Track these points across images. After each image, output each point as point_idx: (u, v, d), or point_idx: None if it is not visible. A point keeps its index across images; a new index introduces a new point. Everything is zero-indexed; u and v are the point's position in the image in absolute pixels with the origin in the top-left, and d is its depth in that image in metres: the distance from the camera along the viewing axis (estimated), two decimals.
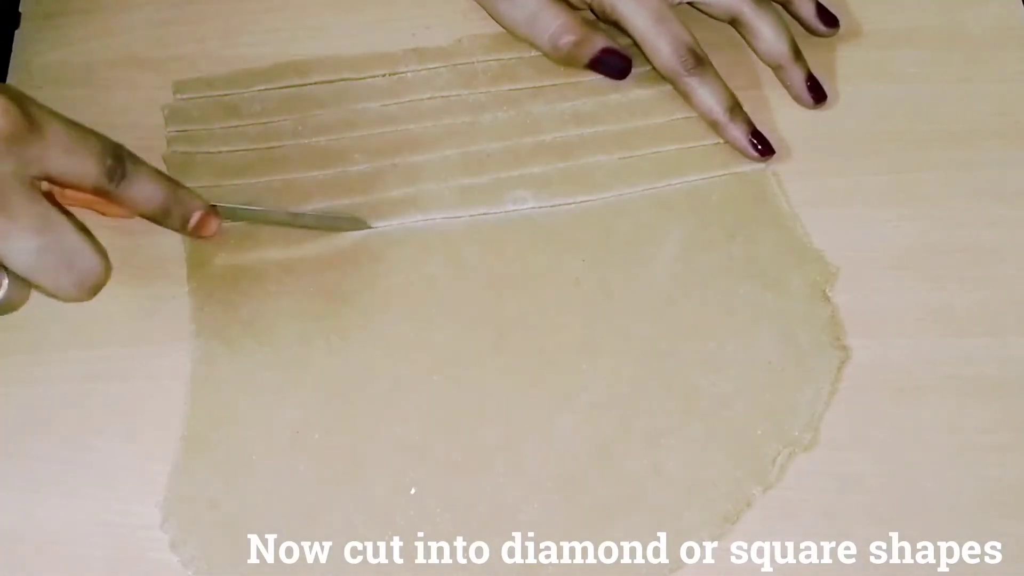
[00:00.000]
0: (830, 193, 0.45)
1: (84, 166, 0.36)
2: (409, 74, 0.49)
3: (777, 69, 0.47)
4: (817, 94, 0.47)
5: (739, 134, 0.46)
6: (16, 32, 0.51)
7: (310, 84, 0.49)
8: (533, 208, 0.45)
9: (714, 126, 0.46)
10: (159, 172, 0.40)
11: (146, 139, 0.47)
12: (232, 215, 0.44)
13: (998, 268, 0.44)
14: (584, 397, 0.41)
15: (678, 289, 0.43)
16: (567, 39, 0.47)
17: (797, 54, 0.47)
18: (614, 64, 0.48)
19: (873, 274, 0.44)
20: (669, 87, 0.47)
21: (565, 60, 0.48)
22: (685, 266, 0.44)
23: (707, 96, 0.46)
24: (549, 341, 0.43)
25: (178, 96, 0.49)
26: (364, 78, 0.49)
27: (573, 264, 0.44)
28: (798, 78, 0.47)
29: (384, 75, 0.49)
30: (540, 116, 0.47)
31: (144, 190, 0.38)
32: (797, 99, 0.47)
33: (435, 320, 0.43)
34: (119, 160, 0.37)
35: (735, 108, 0.46)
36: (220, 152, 0.47)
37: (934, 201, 0.45)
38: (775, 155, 0.46)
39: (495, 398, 0.42)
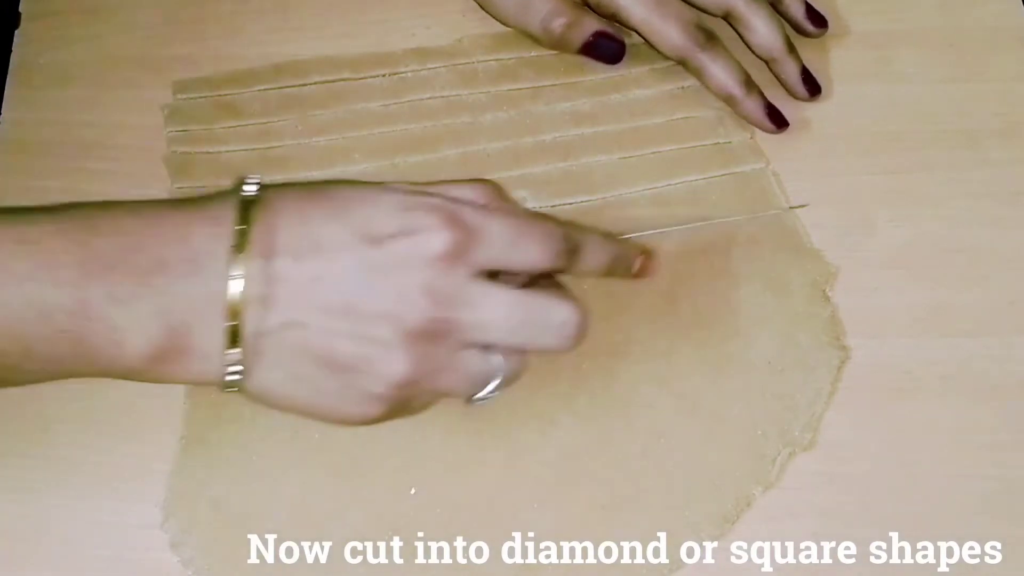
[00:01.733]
0: (830, 193, 0.45)
1: (530, 256, 0.35)
2: (409, 74, 0.49)
3: (771, 62, 0.47)
4: (811, 86, 0.47)
5: (755, 107, 0.46)
6: (16, 32, 0.51)
7: (310, 84, 0.49)
8: (533, 208, 0.45)
9: (730, 101, 0.46)
10: (604, 237, 0.39)
11: (146, 139, 0.48)
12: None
13: (998, 268, 0.44)
14: (584, 397, 0.41)
15: (678, 289, 0.43)
16: (559, 21, 0.47)
17: (790, 47, 0.47)
18: (607, 47, 0.47)
19: (873, 274, 0.44)
20: (669, 87, 0.47)
21: (557, 44, 0.48)
22: (685, 266, 0.44)
23: (721, 72, 0.46)
24: None
25: (178, 96, 0.49)
26: (364, 78, 0.49)
27: None
28: (792, 71, 0.47)
29: (384, 75, 0.49)
30: (540, 116, 0.47)
31: (593, 258, 0.38)
32: (791, 92, 0.47)
33: None
34: (567, 241, 0.36)
35: (749, 81, 0.46)
36: (220, 152, 0.47)
37: (934, 201, 0.45)
38: (788, 127, 0.46)
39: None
